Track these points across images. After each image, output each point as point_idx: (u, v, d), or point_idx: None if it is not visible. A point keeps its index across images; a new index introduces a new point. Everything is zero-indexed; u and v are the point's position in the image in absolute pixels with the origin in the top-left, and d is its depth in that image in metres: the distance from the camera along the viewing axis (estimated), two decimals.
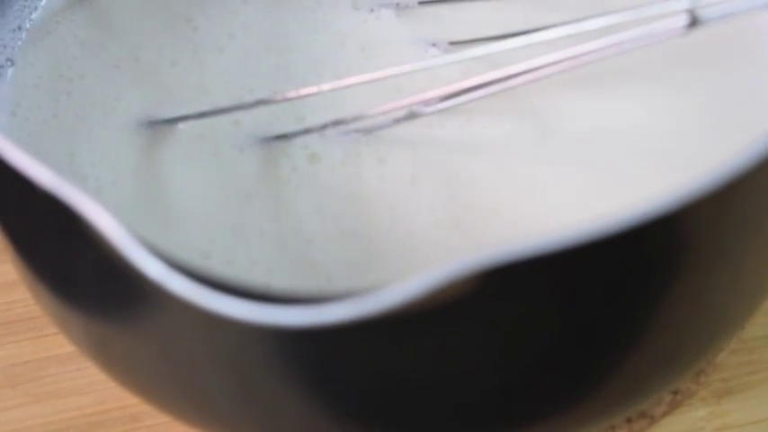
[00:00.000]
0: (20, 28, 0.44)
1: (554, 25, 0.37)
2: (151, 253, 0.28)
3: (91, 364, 0.38)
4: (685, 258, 0.31)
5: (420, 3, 0.45)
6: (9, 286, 0.47)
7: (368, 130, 0.41)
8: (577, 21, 0.36)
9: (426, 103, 0.40)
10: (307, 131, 0.41)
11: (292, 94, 0.41)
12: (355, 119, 0.40)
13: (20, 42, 0.43)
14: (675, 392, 0.43)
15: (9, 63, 0.43)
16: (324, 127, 0.41)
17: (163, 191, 0.40)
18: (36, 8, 0.44)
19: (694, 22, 0.34)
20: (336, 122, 0.41)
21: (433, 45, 0.44)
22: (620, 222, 0.28)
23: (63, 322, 0.37)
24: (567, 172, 0.39)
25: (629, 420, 0.43)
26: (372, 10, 0.45)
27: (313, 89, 0.40)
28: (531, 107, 0.41)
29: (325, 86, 0.40)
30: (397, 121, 0.41)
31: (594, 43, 0.36)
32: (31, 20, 0.44)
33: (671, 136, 0.40)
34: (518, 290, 0.29)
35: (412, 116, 0.41)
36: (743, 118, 0.40)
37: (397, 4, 0.45)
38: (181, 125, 0.41)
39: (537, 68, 0.37)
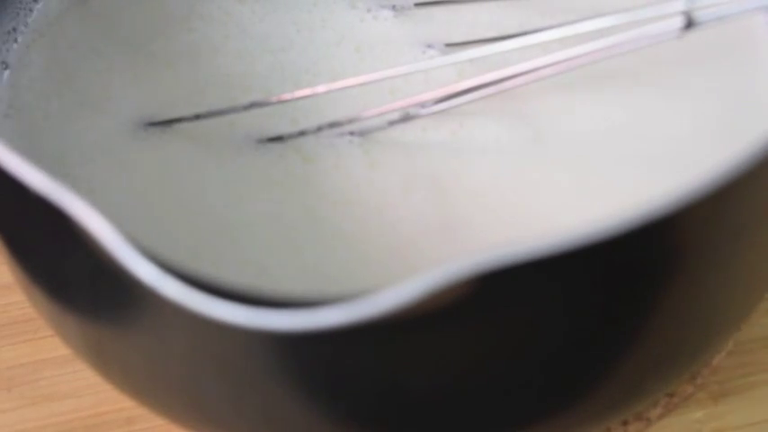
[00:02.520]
0: (15, 30, 0.44)
1: (551, 27, 0.37)
2: (144, 256, 0.28)
3: (86, 367, 0.38)
4: (681, 260, 0.31)
5: (416, 4, 0.45)
6: (4, 289, 0.47)
7: (363, 132, 0.41)
8: (573, 22, 0.36)
9: (422, 105, 0.40)
10: (302, 133, 0.41)
11: (287, 95, 0.41)
12: (351, 120, 0.40)
13: (15, 45, 0.43)
14: (671, 395, 0.43)
15: (3, 66, 0.43)
16: (319, 129, 0.41)
17: (155, 192, 0.40)
18: (32, 10, 0.44)
19: (690, 24, 0.34)
20: (332, 124, 0.41)
21: (430, 46, 0.44)
22: (617, 225, 0.28)
23: (58, 325, 0.37)
24: (560, 176, 0.39)
25: (625, 423, 0.43)
26: (370, 10, 0.45)
27: (307, 91, 0.40)
28: (523, 111, 0.41)
29: (321, 88, 0.40)
30: (393, 122, 0.41)
31: (590, 45, 0.36)
32: (26, 23, 0.44)
33: (664, 139, 0.40)
34: (514, 293, 0.29)
35: (407, 118, 0.40)
36: (737, 120, 0.40)
37: (394, 6, 0.45)
38: (175, 126, 0.41)
39: (533, 70, 0.37)
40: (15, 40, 0.43)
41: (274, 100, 0.41)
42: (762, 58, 0.42)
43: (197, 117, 0.41)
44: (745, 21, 0.35)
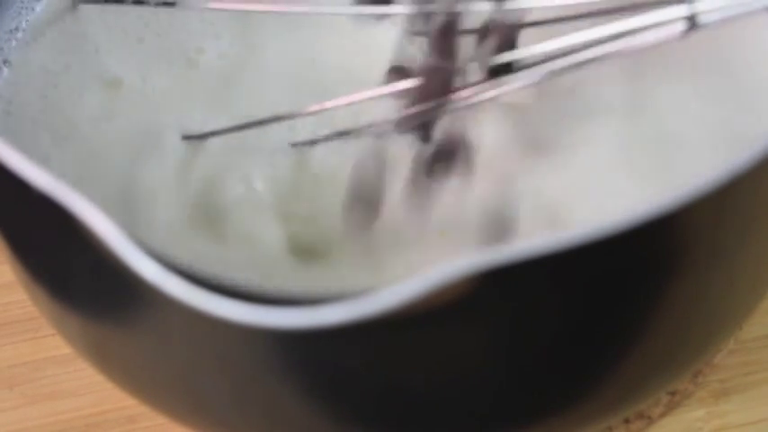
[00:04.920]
0: (17, 28, 0.44)
1: (550, 21, 0.37)
2: (147, 254, 0.28)
3: (88, 366, 0.38)
4: (682, 259, 0.31)
5: None
6: (6, 288, 0.47)
7: (368, 136, 0.41)
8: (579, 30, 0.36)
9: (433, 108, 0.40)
10: (312, 143, 0.41)
11: (315, 107, 0.40)
12: (358, 129, 0.40)
13: (15, 43, 0.43)
14: (673, 393, 0.43)
15: (5, 63, 0.43)
16: (327, 139, 0.40)
17: (156, 191, 0.40)
18: (33, 10, 0.44)
19: (693, 26, 0.34)
20: (340, 134, 0.40)
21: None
22: (619, 224, 0.28)
23: (60, 324, 0.37)
24: (561, 175, 0.39)
25: (626, 421, 0.43)
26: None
27: (316, 107, 0.40)
28: (523, 114, 0.41)
29: (328, 104, 0.40)
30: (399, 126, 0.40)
31: (594, 49, 0.36)
32: (27, 21, 0.44)
33: (666, 138, 0.40)
34: (515, 291, 0.29)
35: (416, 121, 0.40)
36: (740, 118, 0.40)
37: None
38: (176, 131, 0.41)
39: (539, 73, 0.37)
40: (17, 39, 0.43)
41: (303, 112, 0.41)
42: (765, 57, 0.42)
43: (228, 130, 0.40)
44: (750, 21, 0.35)
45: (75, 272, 0.33)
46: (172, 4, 0.42)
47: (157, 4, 0.42)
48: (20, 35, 0.44)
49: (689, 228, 0.30)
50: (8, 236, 0.35)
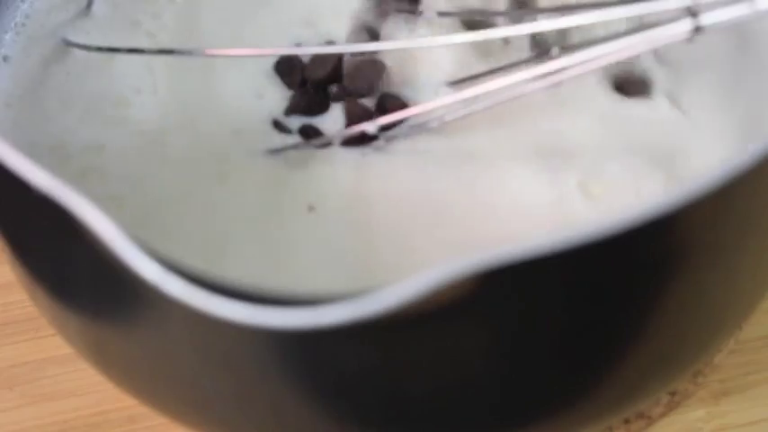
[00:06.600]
0: (16, 23, 0.44)
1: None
2: (147, 254, 0.28)
3: (88, 366, 0.38)
4: (682, 259, 0.31)
5: None
6: (6, 288, 0.47)
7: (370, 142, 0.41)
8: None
9: (435, 113, 0.40)
10: (308, 145, 0.41)
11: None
12: (362, 131, 0.40)
13: (16, 37, 0.43)
14: (673, 393, 0.43)
15: (4, 57, 0.43)
16: (329, 142, 0.40)
17: (156, 187, 0.40)
18: (33, 4, 0.44)
19: (699, 28, 0.34)
20: (343, 135, 0.40)
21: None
22: (618, 224, 0.28)
23: (60, 324, 0.37)
24: (563, 175, 0.39)
25: (626, 421, 0.43)
26: None
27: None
28: (520, 117, 0.41)
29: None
30: (406, 131, 0.40)
31: (601, 48, 0.36)
32: (27, 15, 0.44)
33: (668, 138, 0.40)
34: (515, 291, 0.29)
35: (419, 127, 0.40)
36: (741, 117, 0.40)
37: None
38: (176, 129, 0.41)
39: (544, 75, 0.37)
40: (17, 33, 0.44)
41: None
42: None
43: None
44: (755, 23, 0.35)
45: (75, 272, 0.33)
46: (170, 52, 0.42)
47: (153, 53, 0.42)
48: (20, 29, 0.44)
49: (689, 227, 0.30)
50: (8, 236, 0.35)
